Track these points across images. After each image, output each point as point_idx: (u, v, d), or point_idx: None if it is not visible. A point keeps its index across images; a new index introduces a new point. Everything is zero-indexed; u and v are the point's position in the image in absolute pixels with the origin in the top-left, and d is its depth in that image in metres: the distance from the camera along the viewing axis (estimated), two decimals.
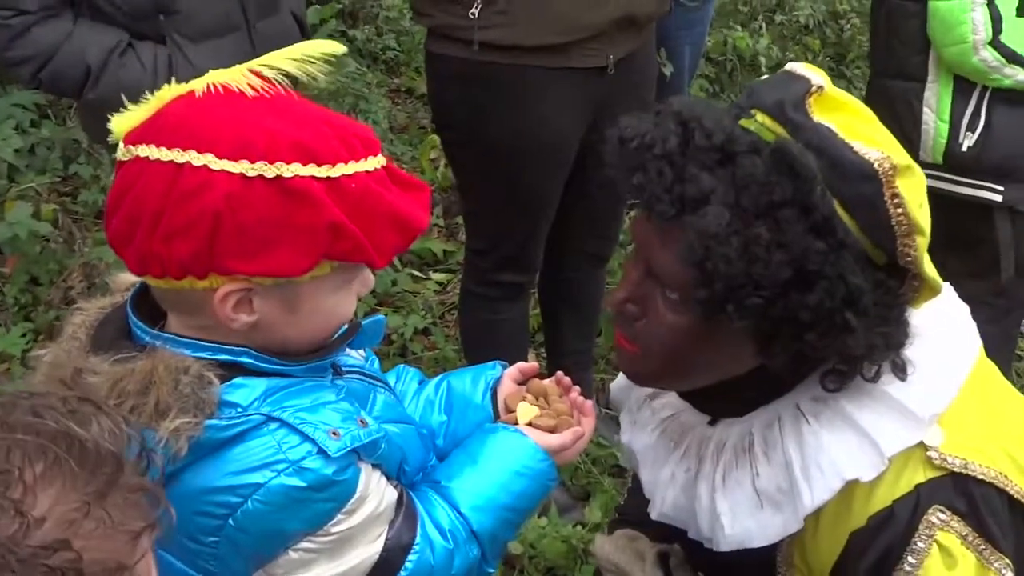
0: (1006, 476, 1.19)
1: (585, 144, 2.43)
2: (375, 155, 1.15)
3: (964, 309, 1.31)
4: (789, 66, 1.17)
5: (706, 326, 1.14)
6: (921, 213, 1.10)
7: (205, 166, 1.07)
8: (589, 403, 1.46)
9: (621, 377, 1.47)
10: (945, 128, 2.55)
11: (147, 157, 1.09)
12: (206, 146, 1.08)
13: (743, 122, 1.12)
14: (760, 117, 1.11)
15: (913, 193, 1.09)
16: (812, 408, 1.21)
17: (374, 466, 1.21)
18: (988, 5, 2.43)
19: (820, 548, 1.23)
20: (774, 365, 1.17)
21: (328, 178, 1.09)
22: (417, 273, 3.68)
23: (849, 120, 1.12)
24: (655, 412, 1.40)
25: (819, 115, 1.10)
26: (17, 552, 0.65)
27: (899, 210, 1.08)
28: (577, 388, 1.46)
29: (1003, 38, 2.45)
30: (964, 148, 2.54)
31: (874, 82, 2.81)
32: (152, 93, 2.12)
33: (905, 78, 2.61)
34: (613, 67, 2.34)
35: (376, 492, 1.20)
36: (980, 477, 1.17)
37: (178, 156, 1.08)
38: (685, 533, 1.38)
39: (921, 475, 1.17)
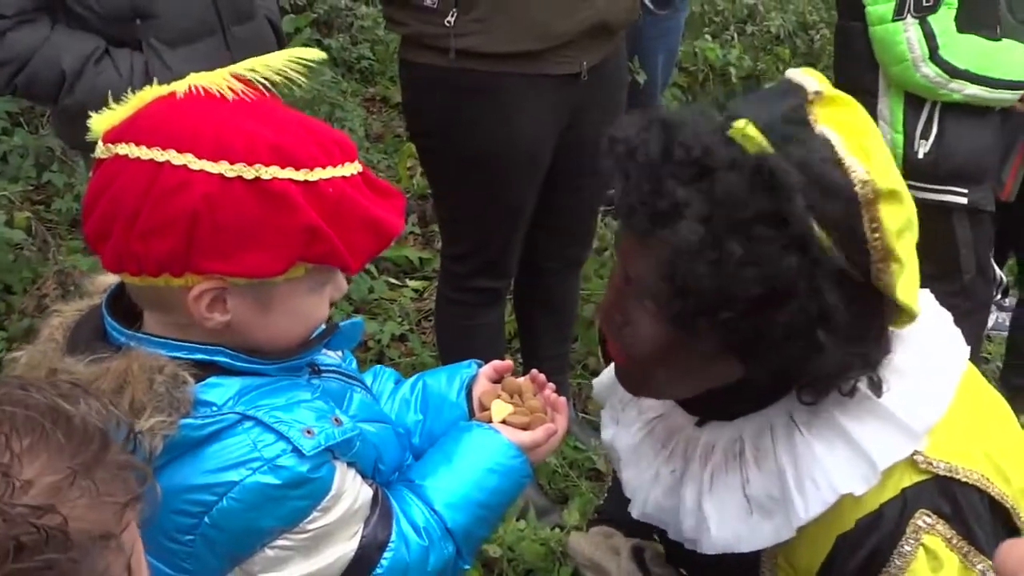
0: (987, 478, 1.20)
1: (559, 149, 2.45)
2: (352, 161, 1.17)
3: (948, 317, 1.31)
4: (788, 73, 1.16)
5: (684, 337, 1.14)
6: (900, 241, 1.09)
7: (184, 166, 1.09)
8: (563, 400, 1.47)
9: (604, 374, 1.47)
10: (900, 139, 2.63)
11: (126, 155, 1.11)
12: (186, 146, 1.09)
13: (730, 131, 1.10)
14: (748, 129, 1.09)
15: (894, 220, 1.08)
16: (805, 418, 1.21)
17: (349, 464, 1.23)
18: (921, 23, 2.51)
19: (807, 551, 1.24)
20: (756, 377, 1.18)
21: (305, 182, 1.11)
22: (394, 280, 3.70)
23: (854, 124, 1.10)
24: (641, 412, 1.40)
25: (822, 118, 1.09)
26: (5, 511, 0.66)
27: (876, 235, 1.07)
28: (551, 385, 1.48)
29: (943, 53, 2.53)
30: (920, 156, 2.61)
31: None
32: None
33: (861, 94, 2.68)
34: (586, 73, 2.37)
35: (351, 490, 1.21)
36: (964, 480, 1.19)
37: (158, 155, 1.09)
38: (665, 533, 1.38)
39: (908, 479, 1.19)
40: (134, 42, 2.23)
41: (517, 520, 2.62)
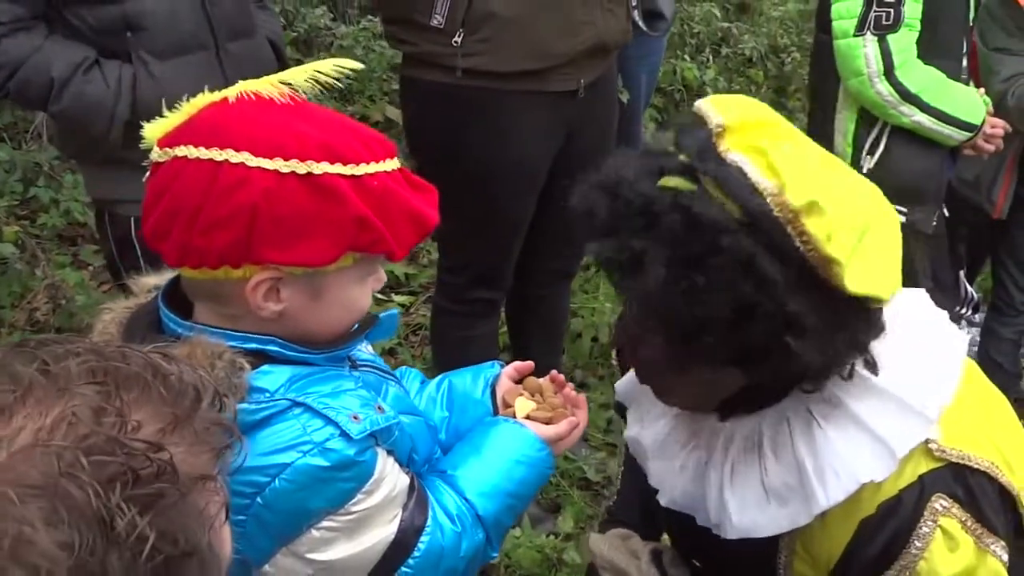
0: (996, 466, 1.26)
1: (554, 164, 2.52)
2: (392, 158, 1.24)
3: (943, 313, 1.38)
4: (696, 104, 1.21)
5: (687, 360, 1.22)
6: (832, 244, 1.12)
7: (243, 163, 1.15)
8: (582, 397, 1.53)
9: (628, 376, 1.52)
10: (850, 151, 2.75)
11: (185, 156, 1.17)
12: (242, 146, 1.16)
13: (661, 182, 1.18)
14: (671, 181, 1.17)
15: (821, 228, 1.11)
16: (821, 410, 1.26)
17: (388, 452, 1.27)
18: (879, 41, 2.62)
19: (829, 537, 1.29)
20: (760, 382, 1.24)
21: (353, 176, 1.18)
22: (380, 296, 3.74)
23: (760, 145, 1.15)
24: (667, 408, 1.44)
25: (733, 148, 1.15)
26: (124, 443, 0.71)
27: (808, 247, 1.11)
28: (570, 384, 1.54)
29: (898, 74, 2.64)
30: (864, 171, 2.72)
31: (810, 108, 3.04)
32: (115, 110, 2.14)
33: (824, 106, 2.80)
34: (583, 91, 2.45)
35: (391, 475, 1.26)
36: (976, 467, 1.25)
37: (216, 155, 1.15)
38: (688, 521, 1.42)
39: (924, 466, 1.24)
40: (125, 54, 2.26)
41: (513, 528, 2.66)
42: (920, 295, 1.38)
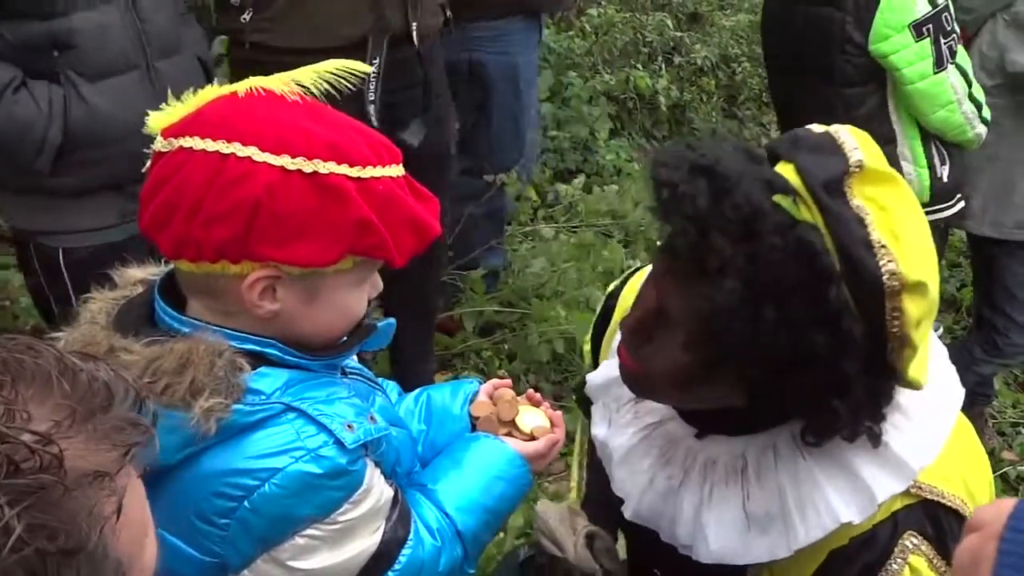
0: (965, 503, 1.27)
1: None
2: (397, 164, 1.23)
3: (944, 352, 1.36)
4: (833, 130, 1.15)
5: (706, 371, 1.17)
6: (918, 330, 1.10)
7: (249, 158, 1.13)
8: (559, 414, 1.53)
9: (598, 372, 1.49)
10: (926, 172, 2.89)
11: (191, 148, 1.15)
12: (250, 140, 1.14)
13: (777, 198, 1.10)
14: (794, 180, 1.10)
15: (916, 309, 1.09)
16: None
17: (375, 463, 1.26)
18: (956, 67, 2.76)
19: (796, 565, 1.29)
20: (760, 411, 1.23)
21: (359, 178, 1.17)
22: None
23: (888, 203, 1.11)
24: (638, 415, 1.41)
25: (859, 194, 1.09)
26: (7, 434, 0.68)
27: (895, 323, 1.08)
28: (547, 403, 1.55)
29: (973, 90, 2.80)
30: (945, 179, 2.92)
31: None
32: (47, 134, 2.07)
33: (883, 143, 2.88)
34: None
35: (377, 487, 1.25)
36: (948, 504, 1.25)
37: (223, 147, 1.14)
38: (652, 534, 1.40)
39: (898, 502, 1.24)
40: (51, 74, 2.13)
41: None
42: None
